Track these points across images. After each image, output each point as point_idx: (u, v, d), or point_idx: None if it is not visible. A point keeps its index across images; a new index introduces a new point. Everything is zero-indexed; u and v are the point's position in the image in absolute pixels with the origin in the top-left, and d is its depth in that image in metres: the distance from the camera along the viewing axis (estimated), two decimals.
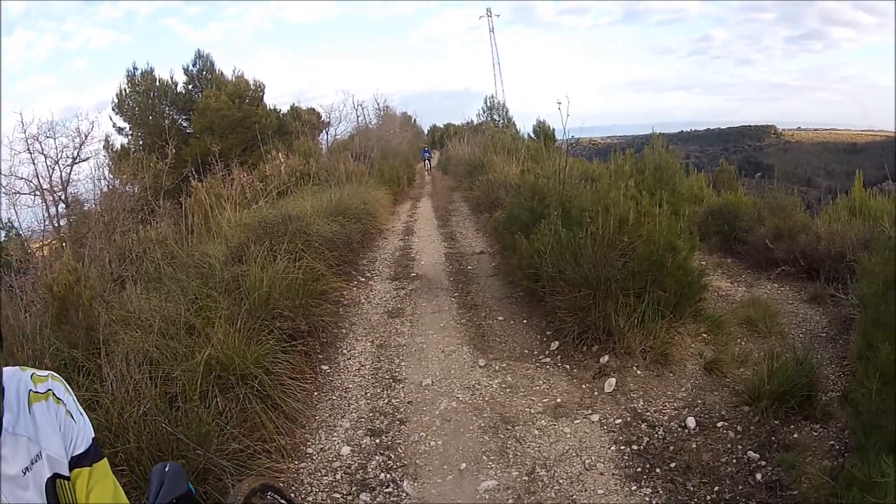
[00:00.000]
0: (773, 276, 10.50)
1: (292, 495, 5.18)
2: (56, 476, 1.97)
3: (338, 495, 5.72)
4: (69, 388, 2.12)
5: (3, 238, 13.07)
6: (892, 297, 5.48)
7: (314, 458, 6.28)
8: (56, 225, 15.50)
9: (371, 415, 7.08)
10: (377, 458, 6.25)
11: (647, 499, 5.43)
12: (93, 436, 2.14)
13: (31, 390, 2.02)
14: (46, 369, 2.15)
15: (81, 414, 2.13)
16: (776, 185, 13.98)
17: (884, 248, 6.77)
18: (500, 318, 9.81)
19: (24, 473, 1.88)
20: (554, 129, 31.08)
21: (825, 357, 7.41)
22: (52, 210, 16.25)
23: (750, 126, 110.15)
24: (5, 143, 16.38)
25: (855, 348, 6.43)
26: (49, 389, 2.05)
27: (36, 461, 1.92)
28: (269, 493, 4.70)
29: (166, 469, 2.32)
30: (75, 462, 2.04)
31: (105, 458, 2.16)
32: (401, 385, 7.76)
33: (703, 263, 10.55)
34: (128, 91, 33.14)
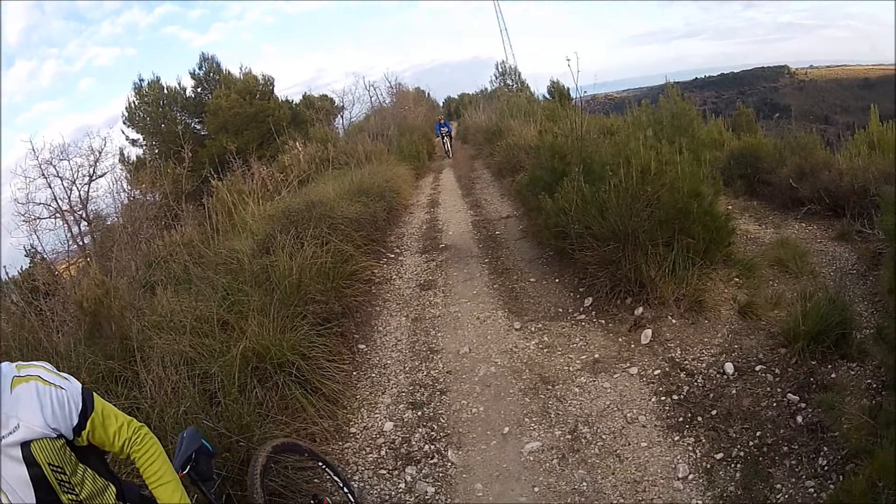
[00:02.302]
0: (799, 215, 10.42)
1: (315, 450, 5.19)
2: (29, 441, 2.60)
3: (384, 471, 5.79)
4: (52, 369, 2.84)
5: (28, 265, 13.21)
6: None
7: (358, 437, 6.33)
8: (80, 243, 15.68)
9: (411, 388, 7.12)
10: (420, 430, 6.30)
11: (691, 448, 5.46)
12: (80, 388, 2.86)
13: (14, 376, 2.67)
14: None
15: (67, 379, 2.84)
16: (794, 125, 13.86)
17: None
18: (531, 279, 9.80)
19: (2, 438, 2.55)
20: (568, 88, 31.02)
21: (857, 294, 7.36)
22: (75, 229, 16.46)
23: (763, 67, 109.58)
24: (18, 173, 16.63)
25: (884, 283, 6.37)
26: (29, 374, 2.71)
27: (15, 431, 2.57)
28: (293, 450, 4.77)
29: (184, 434, 3.28)
30: (83, 415, 2.79)
31: (97, 397, 2.93)
32: (438, 356, 7.78)
33: (730, 208, 10.57)
34: (137, 103, 33.70)
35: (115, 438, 2.90)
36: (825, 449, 4.99)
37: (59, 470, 2.69)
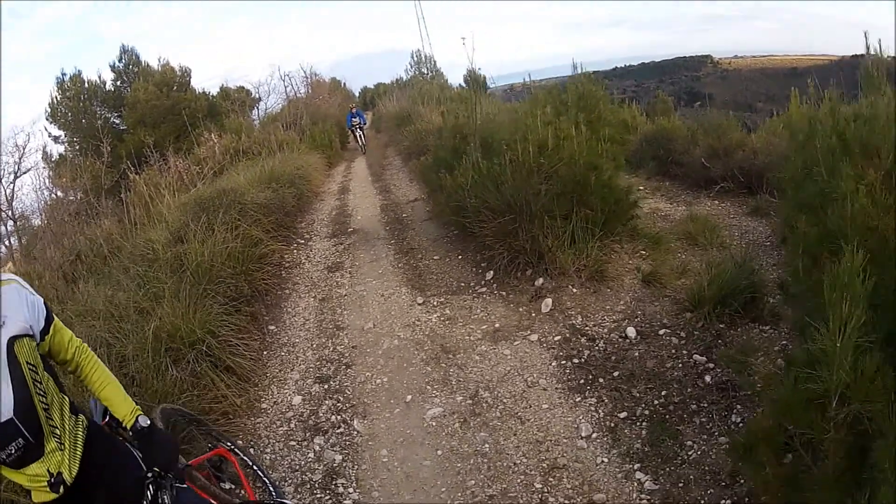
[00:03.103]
0: (712, 193, 10.67)
1: (220, 431, 5.40)
2: (15, 337, 2.78)
3: (293, 442, 5.94)
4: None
5: None
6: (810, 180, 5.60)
7: (268, 411, 6.48)
8: (7, 244, 15.57)
9: (318, 363, 7.29)
10: (327, 402, 6.47)
11: (593, 408, 5.65)
12: (42, 299, 3.10)
13: None
14: None
15: (34, 290, 3.08)
16: (715, 112, 14.11)
17: (799, 134, 6.94)
18: (435, 257, 10.01)
19: None
20: (485, 77, 30.99)
21: (770, 263, 7.58)
22: (2, 229, 16.31)
23: (685, 57, 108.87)
24: None
25: (779, 233, 6.58)
26: (10, 278, 2.94)
27: (2, 326, 2.74)
28: (197, 422, 5.00)
29: (92, 401, 3.58)
30: (47, 322, 3.05)
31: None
32: (344, 332, 7.96)
33: (642, 188, 10.83)
34: (59, 98, 32.83)
35: (69, 345, 3.20)
36: (738, 407, 5.18)
37: (34, 369, 2.88)
